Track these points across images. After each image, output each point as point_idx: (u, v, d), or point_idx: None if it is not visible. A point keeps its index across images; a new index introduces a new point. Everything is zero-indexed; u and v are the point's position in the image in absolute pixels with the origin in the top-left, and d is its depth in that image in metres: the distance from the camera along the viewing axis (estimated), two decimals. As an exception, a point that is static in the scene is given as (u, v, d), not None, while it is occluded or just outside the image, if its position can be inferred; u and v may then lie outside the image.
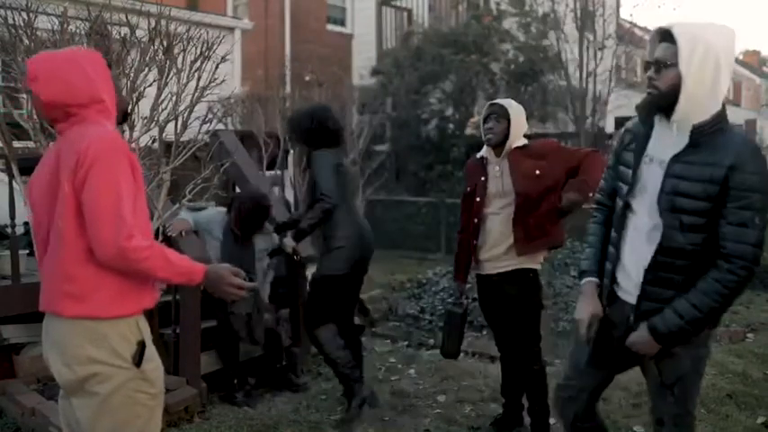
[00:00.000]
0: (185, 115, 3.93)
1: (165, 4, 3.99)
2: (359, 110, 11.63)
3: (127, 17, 3.86)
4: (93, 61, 2.08)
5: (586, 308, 2.39)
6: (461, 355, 4.03)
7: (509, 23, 12.89)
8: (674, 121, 2.16)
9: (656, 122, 2.25)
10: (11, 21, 3.57)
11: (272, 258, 4.52)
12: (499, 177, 3.48)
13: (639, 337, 2.24)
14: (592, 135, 12.62)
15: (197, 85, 3.92)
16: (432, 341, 5.59)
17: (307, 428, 3.87)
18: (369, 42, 14.03)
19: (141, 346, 2.05)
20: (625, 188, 2.32)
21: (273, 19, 13.36)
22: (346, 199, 3.99)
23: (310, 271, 4.47)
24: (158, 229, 3.93)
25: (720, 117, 2.15)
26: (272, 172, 6.96)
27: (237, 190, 5.34)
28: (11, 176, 3.86)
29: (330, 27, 14.38)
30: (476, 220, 3.53)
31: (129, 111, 3.07)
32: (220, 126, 6.54)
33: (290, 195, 6.98)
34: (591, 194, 3.21)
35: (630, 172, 2.30)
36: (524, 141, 3.52)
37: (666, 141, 2.20)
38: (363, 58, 13.88)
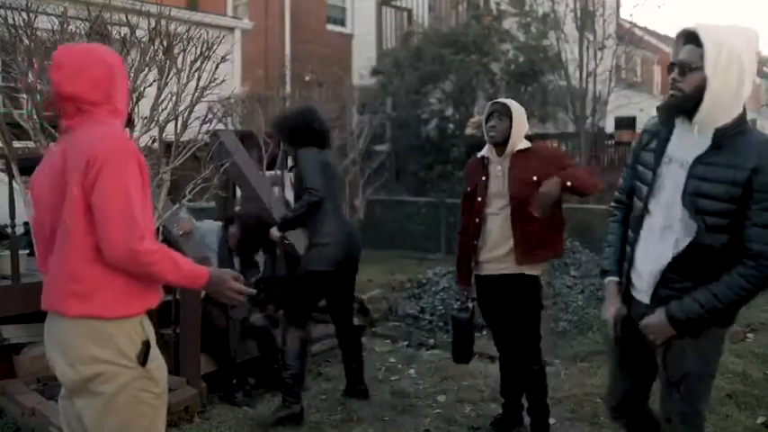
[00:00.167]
0: (185, 115, 3.93)
1: (165, 4, 3.99)
2: (359, 110, 11.63)
3: (127, 17, 3.86)
4: (115, 62, 2.11)
5: (610, 308, 2.44)
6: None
7: (509, 23, 12.89)
8: (696, 123, 2.17)
9: (677, 123, 2.26)
10: (11, 21, 3.57)
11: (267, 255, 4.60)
12: (500, 177, 3.48)
13: (655, 321, 2.26)
14: (592, 135, 12.63)
15: (197, 85, 3.92)
16: (432, 341, 5.59)
17: (307, 428, 3.87)
18: (369, 42, 14.03)
19: (146, 345, 2.05)
20: (644, 189, 2.33)
21: (273, 19, 13.36)
22: (333, 198, 4.00)
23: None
24: (158, 228, 3.93)
25: (742, 119, 2.17)
26: (272, 172, 6.97)
27: (237, 190, 5.35)
28: (11, 176, 3.85)
29: (330, 27, 14.38)
30: (476, 220, 3.52)
31: (129, 112, 3.08)
32: (220, 126, 6.54)
33: (290, 195, 6.97)
34: (568, 185, 3.23)
35: (650, 173, 2.31)
36: (527, 144, 3.51)
37: (688, 143, 2.21)
38: (363, 58, 13.88)
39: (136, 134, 3.79)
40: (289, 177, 7.11)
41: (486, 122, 3.54)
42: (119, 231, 1.91)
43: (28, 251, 4.16)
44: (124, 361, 2.01)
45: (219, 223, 4.64)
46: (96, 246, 1.95)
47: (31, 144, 3.72)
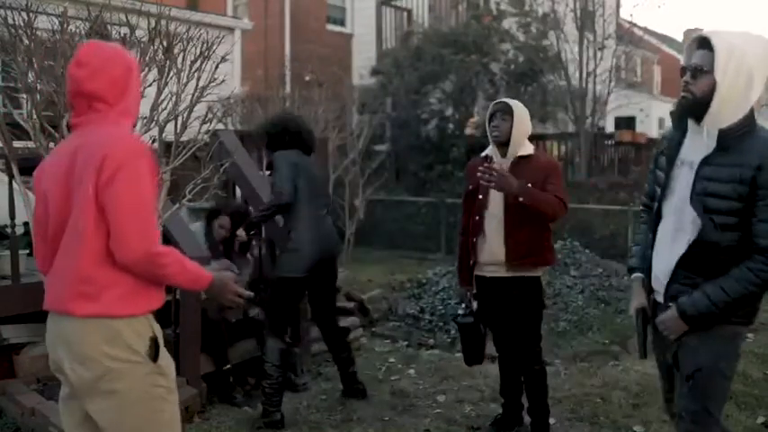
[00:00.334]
0: (185, 115, 3.93)
1: (165, 4, 3.99)
2: (359, 110, 11.62)
3: (127, 17, 3.85)
4: (133, 64, 2.16)
5: (633, 302, 2.54)
6: (461, 354, 4.02)
7: (509, 23, 12.90)
8: (705, 125, 2.25)
9: (690, 127, 2.34)
10: (11, 21, 3.57)
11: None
12: (501, 177, 3.49)
13: (667, 317, 2.33)
14: (592, 135, 12.63)
15: (197, 85, 3.92)
16: (432, 341, 5.59)
17: (307, 428, 3.87)
18: (369, 42, 14.03)
19: (154, 341, 2.06)
20: (659, 191, 2.43)
21: (273, 19, 13.36)
22: (308, 201, 3.97)
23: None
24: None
25: (747, 121, 2.24)
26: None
27: (237, 190, 5.35)
28: (11, 176, 3.85)
29: (330, 27, 14.38)
30: (476, 218, 3.52)
31: None
32: (220, 126, 6.53)
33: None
34: (520, 200, 3.30)
35: (664, 176, 2.41)
36: (530, 151, 3.52)
37: (697, 145, 2.29)
38: (363, 58, 13.88)
39: (136, 134, 3.79)
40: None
41: (490, 122, 3.54)
42: (135, 235, 1.93)
43: (28, 251, 4.16)
44: (135, 357, 2.01)
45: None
46: (106, 247, 1.95)
47: (31, 144, 3.71)
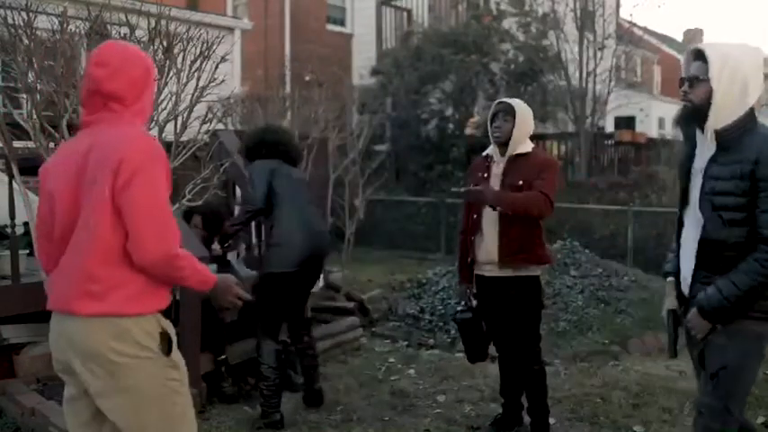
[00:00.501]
0: (185, 115, 3.93)
1: (165, 3, 3.99)
2: (359, 110, 11.62)
3: (127, 17, 3.85)
4: (151, 66, 2.17)
5: (665, 304, 2.66)
6: (461, 354, 4.03)
7: (509, 23, 12.90)
8: (707, 131, 2.40)
9: (697, 137, 2.49)
10: (11, 21, 3.57)
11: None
12: (499, 177, 3.49)
13: (692, 315, 2.44)
14: (591, 135, 12.64)
15: (197, 84, 3.92)
16: (431, 341, 5.59)
17: (306, 428, 3.87)
18: (369, 42, 14.03)
19: (165, 336, 2.07)
20: (680, 202, 2.59)
21: (273, 19, 13.36)
22: (289, 198, 3.95)
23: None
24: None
25: (745, 120, 2.37)
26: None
27: (237, 190, 5.35)
28: (11, 176, 3.85)
29: (330, 27, 14.38)
30: (475, 216, 3.54)
31: None
32: (220, 126, 6.53)
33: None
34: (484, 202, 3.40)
35: (682, 187, 2.56)
36: (528, 149, 3.52)
37: (704, 150, 2.44)
38: (363, 58, 13.89)
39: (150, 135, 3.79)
40: None
41: (492, 122, 3.55)
42: (153, 238, 1.95)
43: (28, 251, 4.16)
44: (143, 353, 2.01)
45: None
46: (118, 246, 1.96)
47: (31, 144, 3.71)
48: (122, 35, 3.76)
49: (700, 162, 2.46)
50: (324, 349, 5.13)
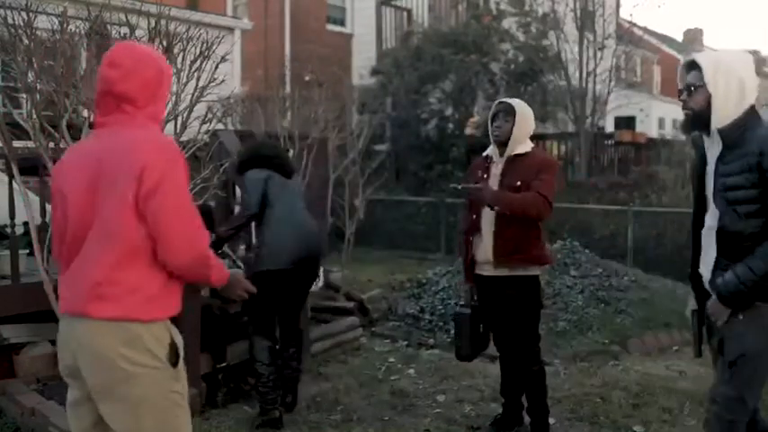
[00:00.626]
0: (185, 115, 3.93)
1: (165, 3, 3.99)
2: (359, 110, 11.62)
3: (127, 17, 3.85)
4: (165, 68, 2.15)
5: (689, 304, 2.74)
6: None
7: (509, 23, 12.90)
8: (713, 133, 2.50)
9: (705, 143, 2.58)
10: (11, 21, 3.57)
11: None
12: (498, 177, 3.50)
13: (711, 301, 2.52)
14: (591, 135, 12.64)
15: (197, 84, 3.92)
16: (431, 341, 5.59)
17: (306, 428, 3.87)
18: (369, 42, 14.03)
19: (173, 346, 2.06)
20: (695, 206, 2.67)
21: (273, 19, 13.36)
22: (281, 201, 3.96)
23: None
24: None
25: (746, 118, 2.45)
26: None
27: (237, 190, 5.35)
28: (11, 176, 3.85)
29: (330, 27, 14.38)
30: (474, 216, 3.55)
31: None
32: (220, 126, 6.53)
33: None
34: (483, 201, 3.42)
35: (697, 193, 2.66)
36: (527, 149, 3.52)
37: (713, 153, 2.53)
38: (363, 58, 13.89)
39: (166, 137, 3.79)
40: None
41: (492, 122, 3.55)
42: (184, 242, 1.98)
43: (28, 251, 4.16)
44: (154, 362, 2.00)
45: None
46: (137, 250, 1.96)
47: (31, 144, 3.71)
48: (122, 35, 3.77)
49: (710, 165, 2.54)
50: (324, 349, 5.14)
